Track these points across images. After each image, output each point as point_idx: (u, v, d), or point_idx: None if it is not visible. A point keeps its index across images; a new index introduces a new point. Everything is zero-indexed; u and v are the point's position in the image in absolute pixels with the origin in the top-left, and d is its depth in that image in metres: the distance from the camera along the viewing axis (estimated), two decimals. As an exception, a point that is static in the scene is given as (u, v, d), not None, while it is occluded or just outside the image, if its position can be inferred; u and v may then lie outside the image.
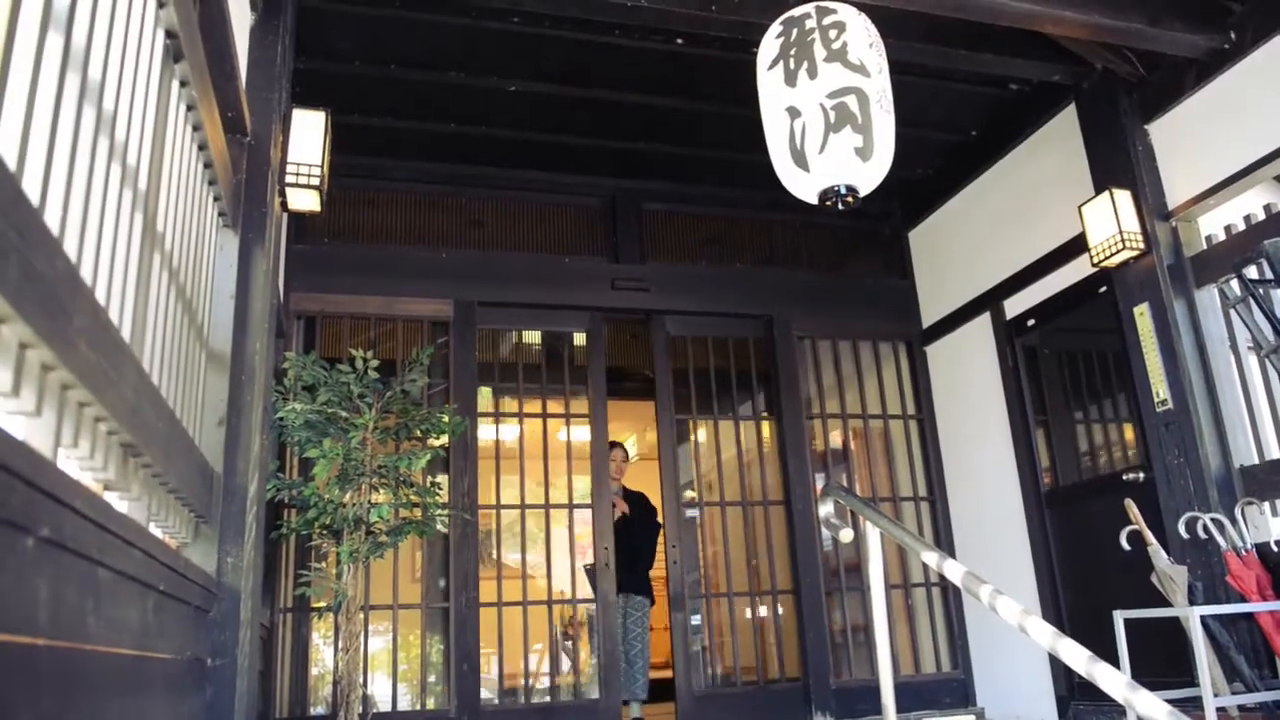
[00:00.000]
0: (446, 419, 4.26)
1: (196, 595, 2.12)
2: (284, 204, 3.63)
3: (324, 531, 3.95)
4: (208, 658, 2.34)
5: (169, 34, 1.89)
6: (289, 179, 3.56)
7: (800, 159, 2.99)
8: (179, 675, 1.96)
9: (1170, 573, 3.74)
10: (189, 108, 2.14)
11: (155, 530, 1.89)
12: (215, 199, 2.59)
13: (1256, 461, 4.08)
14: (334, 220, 5.18)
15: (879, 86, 3.01)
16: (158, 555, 1.63)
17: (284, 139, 3.52)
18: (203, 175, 2.39)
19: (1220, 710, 3.31)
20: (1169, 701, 1.82)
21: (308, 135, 3.64)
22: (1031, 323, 5.21)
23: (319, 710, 4.58)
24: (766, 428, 5.87)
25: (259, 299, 2.76)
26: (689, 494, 5.90)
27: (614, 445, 5.82)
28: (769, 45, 3.15)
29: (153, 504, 1.77)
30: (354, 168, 5.11)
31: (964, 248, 5.77)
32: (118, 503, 1.57)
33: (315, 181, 3.62)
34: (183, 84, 2.06)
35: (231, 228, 2.74)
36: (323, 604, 4.13)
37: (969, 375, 5.66)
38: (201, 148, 2.32)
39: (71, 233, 1.27)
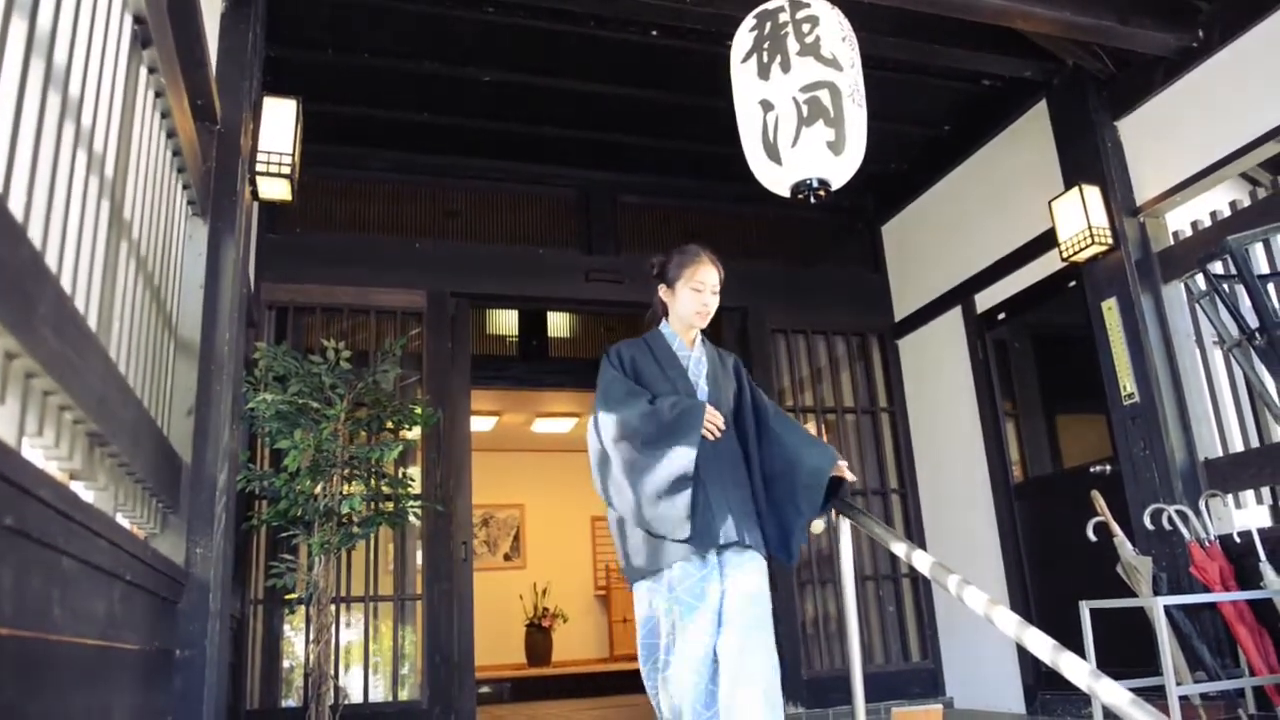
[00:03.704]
0: (419, 410, 4.25)
1: (164, 586, 2.11)
2: (255, 193, 3.60)
3: (295, 523, 3.93)
4: (176, 649, 2.32)
5: (137, 19, 1.87)
6: (260, 167, 3.53)
7: (773, 152, 3.01)
8: (147, 666, 1.95)
9: (1135, 564, 3.79)
10: (157, 94, 2.11)
11: (122, 520, 1.87)
12: (184, 187, 2.56)
13: (1220, 454, 4.14)
14: (306, 210, 5.12)
15: (851, 81, 3.03)
16: (124, 545, 1.61)
17: (255, 127, 3.49)
18: (171, 163, 2.37)
19: (1183, 699, 3.36)
20: (1132, 690, 1.85)
21: (279, 123, 3.61)
22: (1002, 316, 5.26)
23: (290, 702, 4.55)
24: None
25: (229, 288, 2.74)
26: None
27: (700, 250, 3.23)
28: (743, 38, 3.16)
29: (120, 494, 1.76)
30: (326, 157, 5.06)
31: (936, 242, 5.81)
32: (84, 492, 1.56)
33: (286, 170, 3.59)
34: (151, 70, 2.03)
35: (201, 216, 2.72)
36: (294, 596, 4.11)
37: (940, 368, 5.71)
38: (170, 135, 2.29)
39: (36, 220, 1.26)
